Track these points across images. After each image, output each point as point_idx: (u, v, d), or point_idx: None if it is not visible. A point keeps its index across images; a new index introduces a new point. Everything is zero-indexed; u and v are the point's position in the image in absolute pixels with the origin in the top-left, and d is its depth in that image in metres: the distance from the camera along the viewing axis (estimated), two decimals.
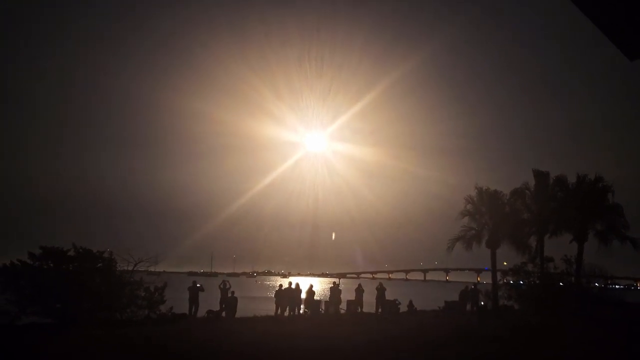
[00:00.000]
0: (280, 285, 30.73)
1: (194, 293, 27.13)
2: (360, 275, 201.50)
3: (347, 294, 33.58)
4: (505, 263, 37.96)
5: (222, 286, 28.64)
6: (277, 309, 29.24)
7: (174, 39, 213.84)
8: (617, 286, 54.93)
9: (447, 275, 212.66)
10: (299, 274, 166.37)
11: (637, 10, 3.16)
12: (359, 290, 32.51)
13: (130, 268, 23.69)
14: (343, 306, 32.01)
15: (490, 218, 35.73)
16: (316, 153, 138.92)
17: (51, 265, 22.10)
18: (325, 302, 31.99)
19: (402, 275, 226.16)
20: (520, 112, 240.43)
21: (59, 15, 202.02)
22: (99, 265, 23.14)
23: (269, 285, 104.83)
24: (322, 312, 30.77)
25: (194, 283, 27.83)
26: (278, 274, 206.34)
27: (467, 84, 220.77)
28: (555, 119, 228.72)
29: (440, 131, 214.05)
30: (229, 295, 28.30)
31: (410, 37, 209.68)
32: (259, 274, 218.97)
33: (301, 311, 30.09)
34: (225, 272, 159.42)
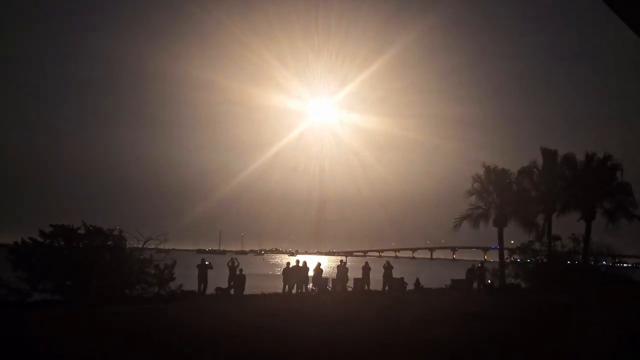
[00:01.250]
0: (288, 263, 30.89)
1: (203, 271, 27.30)
2: (367, 254, 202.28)
3: (354, 272, 33.73)
4: (512, 241, 38.10)
5: (230, 264, 28.80)
6: (284, 287, 29.44)
7: (175, 2, 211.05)
8: (625, 265, 54.97)
9: (454, 254, 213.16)
10: (306, 252, 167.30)
11: None
12: (366, 269, 32.64)
13: (139, 246, 23.85)
14: (350, 284, 32.17)
15: (498, 196, 35.71)
16: (322, 122, 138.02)
17: (62, 243, 22.26)
18: (333, 280, 32.16)
19: (409, 254, 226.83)
20: (529, 88, 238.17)
21: None
22: (108, 242, 23.28)
23: (276, 262, 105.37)
24: (330, 290, 30.97)
25: (203, 261, 27.99)
26: (286, 252, 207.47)
27: (477, 53, 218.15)
28: (564, 97, 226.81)
29: (450, 100, 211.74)
30: (237, 272, 28.46)
31: (419, 1, 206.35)
32: (266, 251, 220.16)
33: (309, 289, 30.28)
34: (233, 250, 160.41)
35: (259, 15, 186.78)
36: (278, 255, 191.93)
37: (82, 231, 22.75)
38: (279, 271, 37.09)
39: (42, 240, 21.94)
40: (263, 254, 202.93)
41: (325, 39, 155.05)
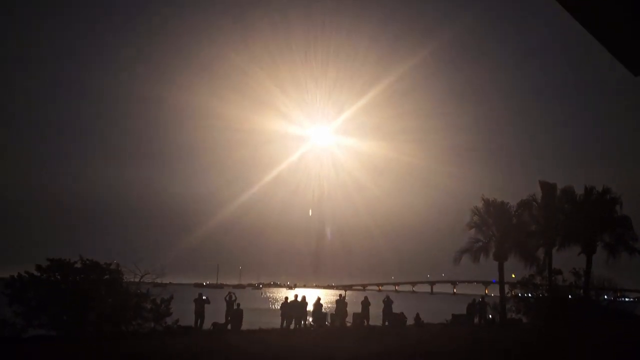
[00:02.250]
0: (286, 298, 30.70)
1: (200, 305, 27.15)
2: (367, 287, 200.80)
3: (354, 306, 33.50)
4: (513, 275, 37.88)
5: (227, 298, 28.65)
6: (282, 322, 29.20)
7: (178, 33, 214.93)
8: (626, 299, 54.58)
9: (454, 288, 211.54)
10: (304, 286, 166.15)
11: (637, 26, 3.23)
12: (365, 303, 32.43)
13: (136, 280, 23.74)
14: (349, 319, 31.92)
15: (497, 230, 35.67)
16: (321, 146, 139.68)
17: (58, 277, 22.15)
18: (331, 314, 31.93)
19: (409, 287, 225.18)
20: (527, 122, 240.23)
21: (58, 11, 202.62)
22: (105, 277, 23.16)
23: (273, 297, 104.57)
24: (328, 324, 30.73)
25: (200, 295, 27.86)
26: (284, 286, 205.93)
27: (473, 81, 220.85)
28: (563, 131, 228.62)
29: (445, 126, 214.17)
30: (235, 307, 28.30)
31: (416, 32, 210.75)
32: (264, 285, 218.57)
33: (307, 323, 30.04)
34: (231, 283, 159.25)
35: (260, 46, 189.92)
36: (276, 289, 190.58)
37: (78, 265, 22.66)
38: (275, 306, 36.84)
39: (39, 274, 21.83)
40: (261, 288, 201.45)
41: (324, 67, 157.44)
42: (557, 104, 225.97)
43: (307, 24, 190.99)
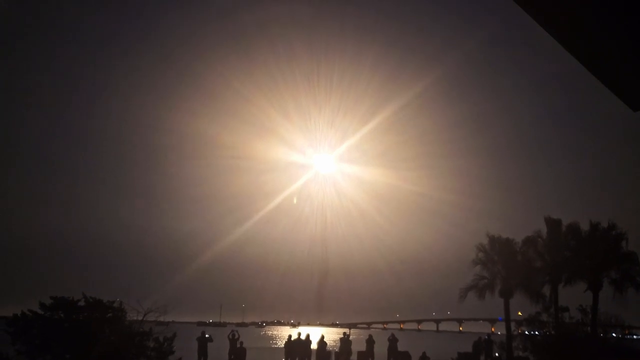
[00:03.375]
0: (290, 337, 30.45)
1: (203, 343, 27.01)
2: (372, 326, 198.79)
3: (358, 345, 33.18)
4: (519, 313, 37.60)
5: (230, 336, 28.49)
6: None
7: (179, 60, 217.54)
8: (635, 336, 53.83)
9: (460, 326, 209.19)
10: (308, 324, 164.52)
11: (635, 63, 3.34)
12: (370, 342, 32.14)
13: (139, 318, 23.64)
14: (354, 358, 31.61)
15: (503, 267, 35.56)
16: (325, 175, 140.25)
17: (62, 315, 22.15)
18: (336, 353, 31.63)
19: (414, 326, 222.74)
20: (529, 154, 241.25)
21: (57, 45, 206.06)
22: (108, 315, 23.13)
23: (275, 335, 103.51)
24: None
25: (203, 333, 27.72)
26: (287, 324, 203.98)
27: (477, 109, 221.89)
28: (567, 166, 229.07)
29: (450, 153, 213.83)
30: (238, 345, 28.10)
31: (419, 59, 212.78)
32: (267, 323, 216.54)
33: None
34: (234, 321, 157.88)
35: (263, 73, 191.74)
36: (279, 327, 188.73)
37: (82, 303, 22.65)
38: (277, 344, 36.46)
39: (42, 312, 21.82)
40: (264, 326, 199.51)
41: (327, 95, 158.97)
42: (558, 135, 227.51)
43: (310, 52, 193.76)
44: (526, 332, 35.86)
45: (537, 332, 35.64)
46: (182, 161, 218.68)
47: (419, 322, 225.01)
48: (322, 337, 31.29)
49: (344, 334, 33.13)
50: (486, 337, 36.79)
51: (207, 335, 27.42)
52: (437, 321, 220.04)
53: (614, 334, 36.25)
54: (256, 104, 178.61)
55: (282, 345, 30.83)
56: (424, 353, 33.96)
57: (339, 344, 32.37)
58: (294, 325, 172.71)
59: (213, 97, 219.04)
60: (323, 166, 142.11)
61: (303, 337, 29.85)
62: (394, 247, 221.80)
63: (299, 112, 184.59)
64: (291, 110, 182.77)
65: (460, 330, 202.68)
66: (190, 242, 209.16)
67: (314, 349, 30.19)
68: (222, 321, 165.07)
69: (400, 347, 33.58)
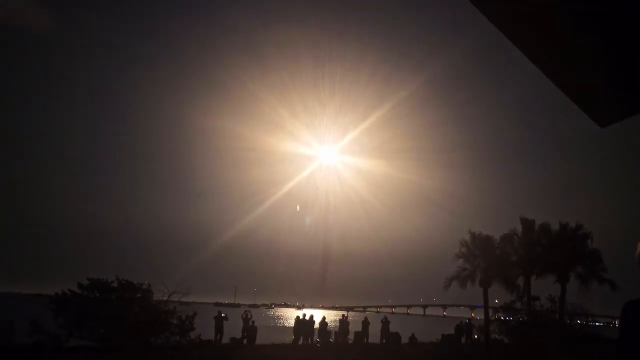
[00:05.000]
0: (298, 317, 30.43)
1: (219, 322, 26.97)
2: (367, 309, 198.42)
3: (355, 325, 33.11)
4: (496, 301, 37.41)
5: (244, 316, 28.44)
6: (297, 337, 28.92)
7: (198, 63, 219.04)
8: (597, 324, 53.57)
9: (444, 311, 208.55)
10: (312, 306, 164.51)
11: (602, 81, 3.26)
12: (365, 323, 32.06)
13: (164, 298, 23.67)
14: (351, 337, 31.56)
15: (483, 260, 35.32)
16: (328, 165, 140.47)
17: (97, 295, 22.20)
18: (335, 332, 31.57)
19: (404, 310, 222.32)
20: (508, 160, 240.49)
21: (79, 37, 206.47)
22: (137, 295, 23.17)
23: (283, 315, 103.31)
24: (332, 341, 30.36)
25: (219, 313, 27.68)
26: (294, 306, 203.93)
27: (460, 109, 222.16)
28: (541, 171, 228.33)
29: (441, 146, 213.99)
30: (250, 324, 28.06)
31: (413, 61, 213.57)
32: (276, 305, 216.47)
33: (315, 340, 29.70)
34: (246, 303, 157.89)
35: (273, 74, 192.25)
36: (286, 309, 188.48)
37: (115, 284, 22.70)
38: (284, 324, 36.42)
39: (80, 292, 21.87)
40: (273, 307, 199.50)
41: (330, 94, 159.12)
42: (534, 142, 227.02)
43: (316, 58, 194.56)
44: (502, 318, 35.73)
45: (511, 318, 35.53)
46: (203, 153, 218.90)
47: (408, 307, 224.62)
48: (324, 318, 31.25)
49: (343, 315, 33.08)
50: (467, 321, 36.68)
51: (223, 315, 27.38)
52: (424, 306, 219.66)
53: (578, 321, 36.13)
54: (268, 103, 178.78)
55: (290, 325, 30.75)
56: (412, 334, 33.92)
57: (338, 325, 32.32)
58: (299, 307, 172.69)
59: (230, 97, 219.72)
60: (327, 157, 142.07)
61: (307, 317, 29.81)
62: (389, 227, 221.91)
63: (306, 110, 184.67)
64: (298, 108, 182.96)
65: (444, 315, 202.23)
66: (209, 228, 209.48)
67: (316, 329, 30.15)
68: (236, 302, 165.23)
69: (392, 328, 33.52)
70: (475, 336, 35.39)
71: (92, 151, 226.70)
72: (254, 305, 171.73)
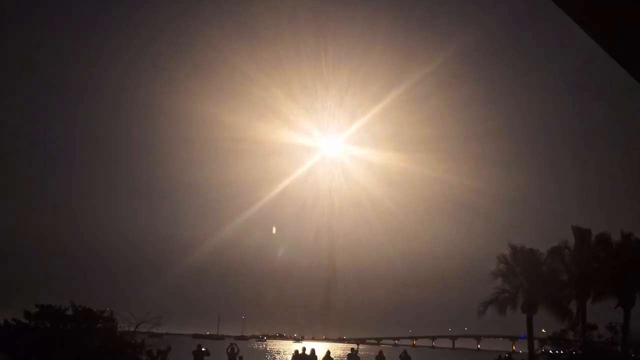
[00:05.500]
0: (296, 351, 30.63)
1: (199, 357, 27.11)
2: (382, 341, 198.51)
3: None
4: (543, 330, 37.52)
5: (229, 350, 28.62)
6: None
7: (175, 35, 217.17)
8: None
9: (478, 343, 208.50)
10: (313, 338, 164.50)
11: None
12: (380, 358, 32.21)
13: (131, 329, 23.80)
14: None
15: (526, 279, 35.48)
16: (332, 158, 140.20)
17: (48, 325, 22.27)
18: None
19: (428, 342, 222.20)
20: (556, 157, 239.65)
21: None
22: (98, 325, 23.26)
23: (278, 349, 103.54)
24: None
25: (199, 347, 27.85)
26: (290, 338, 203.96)
27: (497, 86, 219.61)
28: (600, 169, 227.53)
29: (471, 135, 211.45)
30: None
31: (437, 32, 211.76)
32: (269, 337, 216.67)
33: None
34: (233, 334, 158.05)
35: (265, 48, 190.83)
36: (282, 342, 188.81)
37: (70, 312, 22.79)
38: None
39: (27, 321, 21.96)
40: (265, 340, 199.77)
41: (334, 72, 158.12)
42: (587, 135, 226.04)
43: (317, 24, 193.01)
44: (550, 351, 35.80)
45: (562, 352, 35.58)
46: (178, 146, 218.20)
47: (434, 338, 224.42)
48: (328, 353, 31.37)
49: (352, 349, 33.23)
50: (506, 355, 36.84)
51: (203, 349, 27.52)
52: (453, 337, 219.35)
53: None
54: (259, 83, 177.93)
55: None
56: None
57: None
58: (297, 340, 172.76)
59: (211, 75, 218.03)
60: (330, 149, 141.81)
61: (308, 352, 29.94)
62: (407, 236, 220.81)
63: (305, 91, 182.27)
64: (296, 88, 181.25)
65: (478, 348, 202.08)
66: (184, 239, 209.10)
67: None
68: (219, 334, 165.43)
69: None
70: None
71: (32, 144, 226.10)
72: (242, 337, 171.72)
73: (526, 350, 37.15)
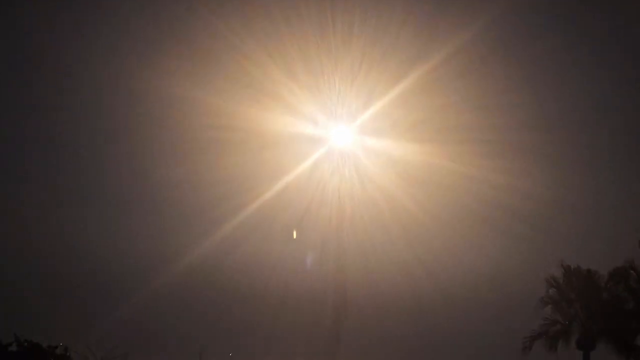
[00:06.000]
0: None
1: None
2: None
3: None
4: None
5: None
6: None
7: (153, 3, 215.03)
8: None
9: None
10: None
11: None
12: None
13: None
14: None
15: (582, 308, 35.40)
16: (343, 151, 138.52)
17: None
18: None
19: None
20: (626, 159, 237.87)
21: None
22: None
23: None
24: None
25: None
26: None
27: (548, 61, 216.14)
28: None
29: (521, 123, 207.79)
30: None
31: None
32: None
33: None
34: None
35: (261, 18, 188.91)
36: None
37: (14, 348, 22.88)
38: None
39: None
40: None
41: (345, 43, 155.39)
42: None
43: None
44: None
45: None
46: (144, 135, 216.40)
47: None
48: None
49: None
50: None
51: None
52: None
53: None
54: (255, 61, 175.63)
55: None
56: None
57: None
58: None
59: (196, 51, 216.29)
60: (340, 140, 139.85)
61: None
62: (435, 250, 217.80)
63: (309, 69, 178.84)
64: (299, 67, 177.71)
65: None
66: (157, 252, 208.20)
67: None
68: None
69: None
70: None
71: None
72: None
73: None
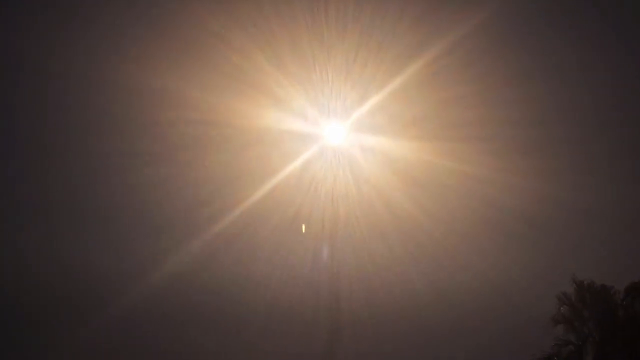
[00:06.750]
0: None
1: None
2: None
3: None
4: None
5: None
6: None
7: None
8: None
9: None
10: None
11: None
12: None
13: None
14: None
15: (596, 327, 35.31)
16: (336, 149, 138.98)
17: None
18: None
19: None
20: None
21: None
22: None
23: None
24: None
25: None
26: None
27: (554, 52, 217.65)
28: None
29: (533, 119, 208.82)
30: None
31: None
32: None
33: None
34: None
35: (248, 4, 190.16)
36: None
37: None
38: None
39: None
40: None
41: (339, 33, 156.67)
42: None
43: None
44: None
45: None
46: (126, 130, 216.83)
47: None
48: None
49: None
50: None
51: None
52: None
53: None
54: (239, 50, 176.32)
55: None
56: None
57: None
58: None
59: (174, 39, 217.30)
60: (333, 137, 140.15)
61: None
62: (438, 259, 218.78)
63: (299, 59, 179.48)
64: (288, 58, 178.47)
65: None
66: (124, 267, 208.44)
67: None
68: None
69: None
70: None
71: None
72: None
73: None
